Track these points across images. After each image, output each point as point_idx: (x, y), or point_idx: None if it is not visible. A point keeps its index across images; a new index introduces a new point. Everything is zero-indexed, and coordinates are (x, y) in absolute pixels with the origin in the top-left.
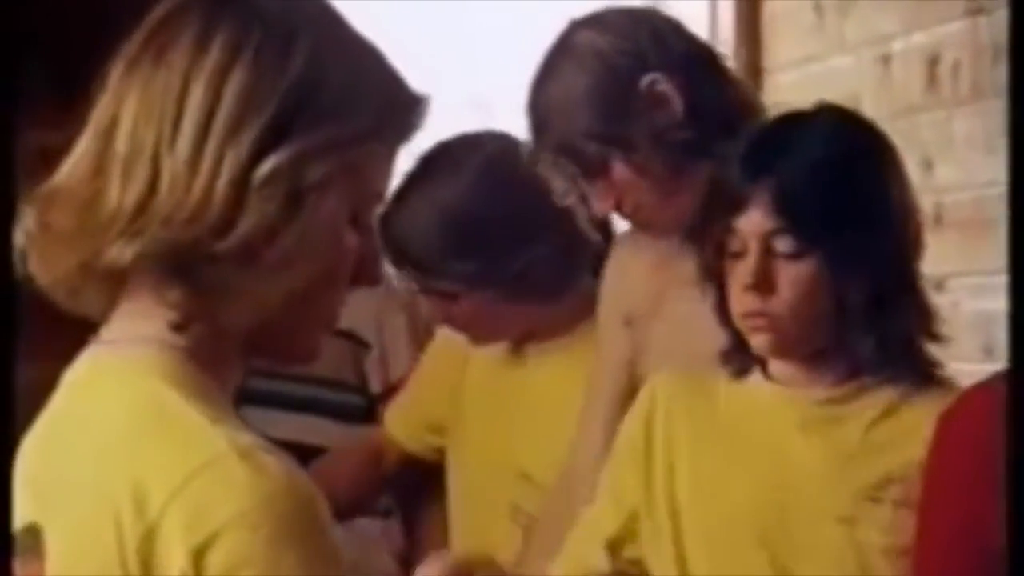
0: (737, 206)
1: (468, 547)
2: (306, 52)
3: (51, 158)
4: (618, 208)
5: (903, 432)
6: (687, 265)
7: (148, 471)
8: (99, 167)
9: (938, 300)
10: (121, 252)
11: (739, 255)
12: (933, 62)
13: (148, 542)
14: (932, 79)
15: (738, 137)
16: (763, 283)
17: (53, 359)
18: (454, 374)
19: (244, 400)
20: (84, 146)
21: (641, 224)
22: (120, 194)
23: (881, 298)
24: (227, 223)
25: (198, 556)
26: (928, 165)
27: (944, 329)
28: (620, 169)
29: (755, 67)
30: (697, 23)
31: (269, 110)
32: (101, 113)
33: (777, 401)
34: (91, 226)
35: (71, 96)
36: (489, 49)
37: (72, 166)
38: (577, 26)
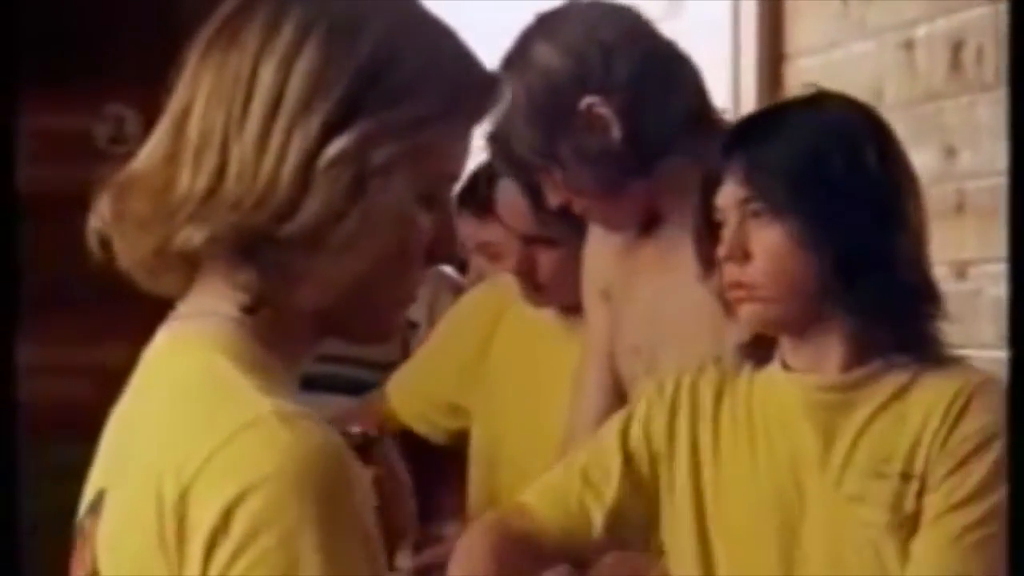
0: (716, 185)
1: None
2: (376, 35)
3: (52, 142)
4: (570, 205)
5: (909, 409)
6: (650, 252)
7: (191, 434)
8: (172, 153)
9: (960, 287)
10: (190, 236)
11: (722, 229)
12: (957, 48)
13: (183, 500)
14: (956, 65)
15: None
16: (738, 251)
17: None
18: (468, 354)
19: (302, 384)
20: (160, 133)
21: (594, 222)
22: (191, 180)
23: (861, 272)
24: (292, 207)
25: (228, 512)
26: (951, 152)
27: (966, 315)
28: (559, 181)
29: (777, 53)
30: (720, 9)
31: (338, 92)
32: (177, 100)
33: (791, 388)
34: (164, 212)
35: (72, 81)
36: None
37: (148, 153)
38: (535, 32)
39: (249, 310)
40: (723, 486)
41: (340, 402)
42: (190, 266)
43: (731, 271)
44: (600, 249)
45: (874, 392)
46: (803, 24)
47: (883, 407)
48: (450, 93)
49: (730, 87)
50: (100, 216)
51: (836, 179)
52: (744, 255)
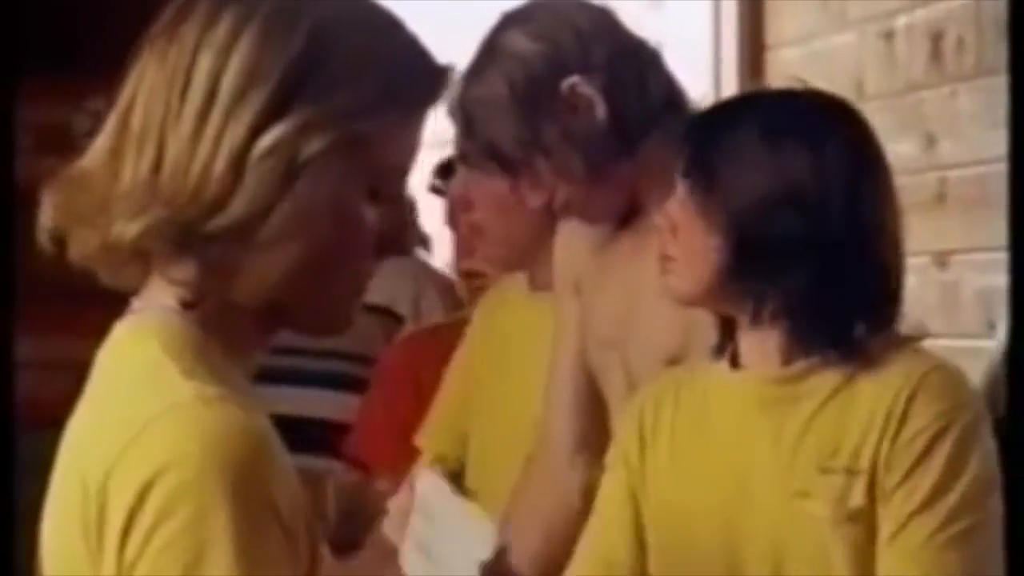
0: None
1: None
2: (312, 26)
3: (51, 135)
4: (549, 204)
5: (854, 401)
6: (625, 244)
7: (116, 422)
8: (116, 147)
9: (942, 276)
10: (123, 230)
11: None
12: (937, 38)
13: (104, 488)
14: (936, 55)
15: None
16: (666, 223)
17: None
18: (467, 384)
19: (277, 379)
20: (107, 128)
21: (573, 217)
22: (131, 173)
23: (778, 262)
24: (223, 200)
25: (142, 494)
26: (931, 141)
27: (947, 304)
28: (543, 170)
29: (758, 43)
30: (699, 2)
31: (272, 84)
32: (123, 95)
33: (737, 383)
34: (107, 207)
35: (72, 73)
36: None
37: (95, 149)
38: (506, 23)
39: (189, 304)
40: (671, 489)
41: (328, 396)
42: (144, 260)
43: (662, 244)
44: (571, 242)
45: (818, 386)
46: (784, 15)
47: (828, 400)
48: (387, 83)
49: (711, 78)
50: (47, 213)
51: (754, 162)
52: (672, 228)
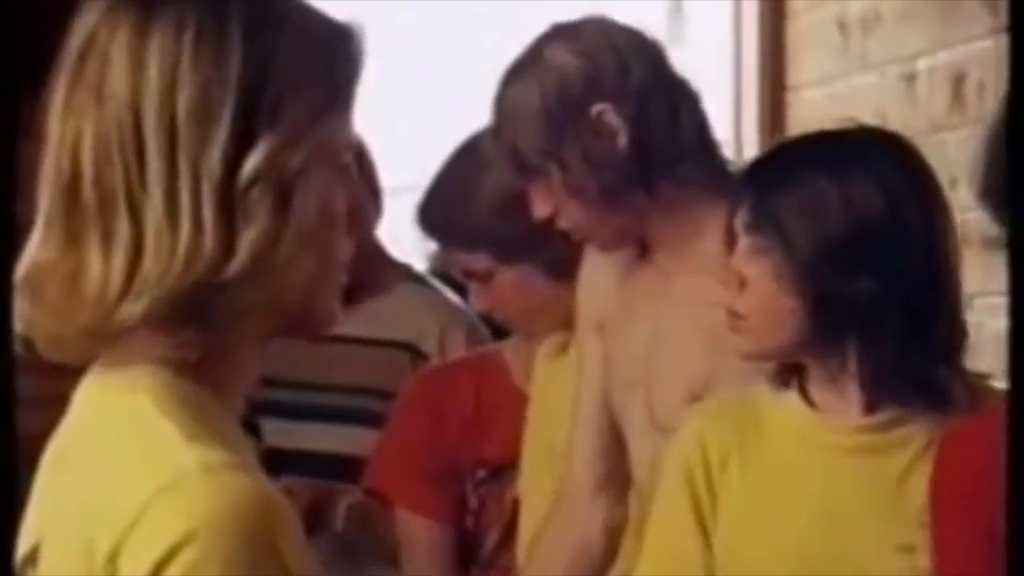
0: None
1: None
2: (241, 38)
3: None
4: (556, 219)
5: None
6: (652, 280)
7: (119, 489)
8: (71, 232)
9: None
10: (127, 315)
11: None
12: (959, 81)
13: (113, 560)
14: (957, 97)
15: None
16: (734, 279)
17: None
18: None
19: (303, 415)
20: (48, 207)
21: (580, 239)
22: (104, 262)
23: (851, 318)
24: (226, 250)
25: (158, 569)
26: (953, 183)
27: (969, 347)
28: (556, 184)
29: (779, 84)
30: (722, 41)
31: (227, 116)
32: (55, 165)
33: (819, 425)
34: (80, 297)
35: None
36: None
37: (43, 238)
38: (554, 33)
39: (191, 366)
40: (746, 521)
41: (354, 432)
42: (128, 332)
43: (729, 298)
44: (594, 282)
45: (910, 435)
46: (805, 57)
47: (924, 451)
48: (330, 73)
49: (732, 118)
50: (22, 318)
51: (830, 220)
52: (740, 283)
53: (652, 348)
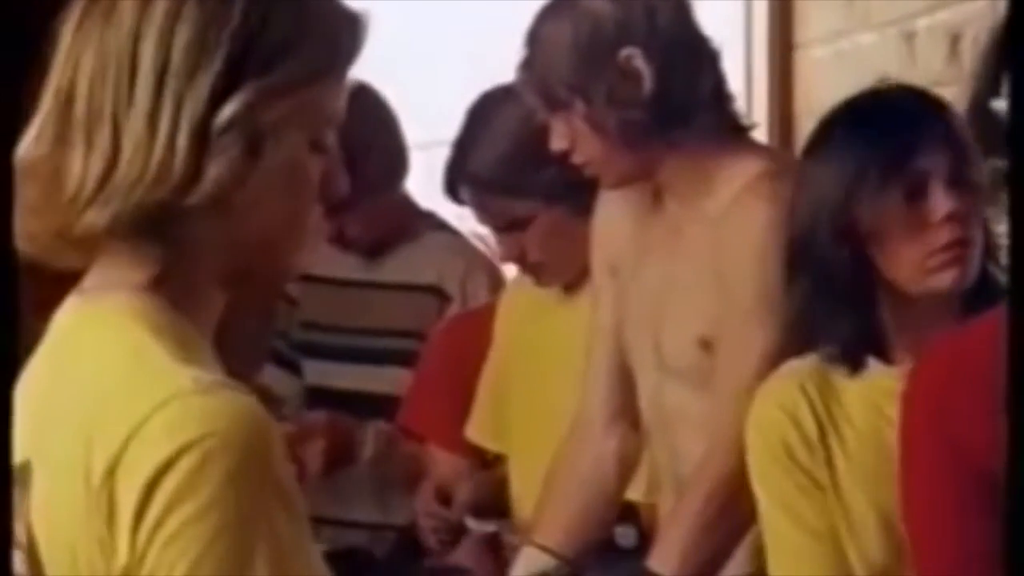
0: (908, 151)
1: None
2: (244, 2)
3: None
4: (571, 152)
5: None
6: (664, 228)
7: (115, 409)
8: (60, 136)
9: None
10: (93, 220)
11: (915, 195)
12: (955, 39)
13: (111, 475)
14: (954, 54)
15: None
16: (960, 212)
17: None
18: (503, 376)
19: (337, 356)
20: (43, 115)
21: (591, 173)
22: (84, 164)
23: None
24: (192, 178)
25: (151, 485)
26: None
27: None
28: (579, 118)
29: (788, 42)
30: (732, 2)
31: (219, 59)
32: (57, 79)
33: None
34: (58, 197)
35: None
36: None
37: (34, 139)
38: None
39: (156, 283)
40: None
41: (386, 372)
42: (91, 242)
43: (951, 230)
44: (608, 223)
45: None
46: (812, 17)
47: None
48: (322, 45)
49: (743, 75)
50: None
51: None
52: (963, 215)
53: (662, 292)
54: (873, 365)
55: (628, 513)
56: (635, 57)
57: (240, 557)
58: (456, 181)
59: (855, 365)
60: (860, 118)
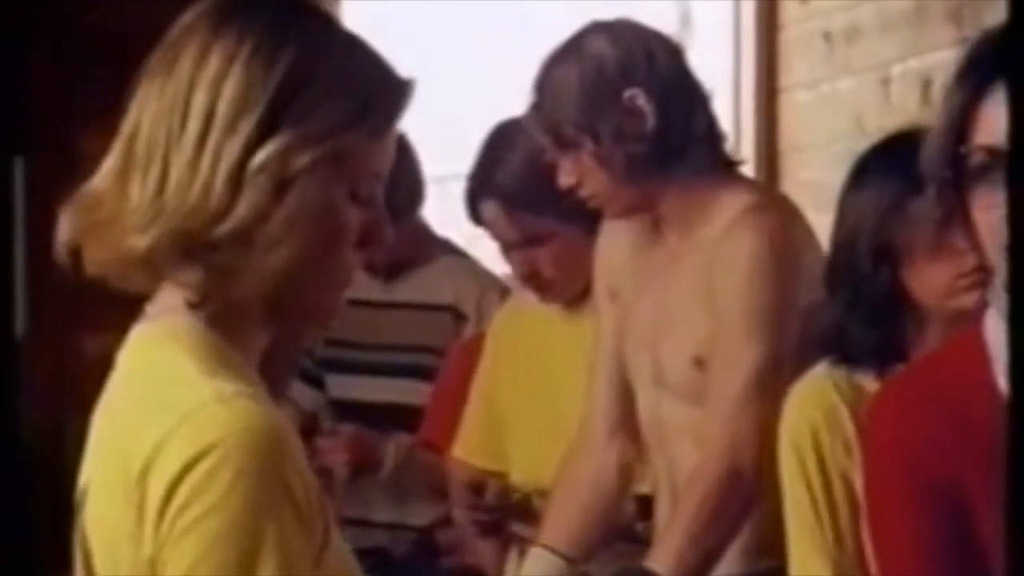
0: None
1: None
2: (294, 54)
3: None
4: (578, 187)
5: None
6: (662, 256)
7: (149, 419)
8: (124, 170)
9: None
10: (135, 243)
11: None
12: (927, 84)
13: (143, 477)
14: (926, 99)
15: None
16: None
17: (114, 331)
18: (496, 396)
19: (361, 370)
20: (114, 152)
21: (596, 206)
22: (139, 193)
23: None
24: (224, 212)
25: (173, 485)
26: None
27: None
28: (587, 155)
29: (773, 86)
30: (722, 49)
31: (260, 108)
32: (128, 120)
33: None
34: (118, 223)
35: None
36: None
37: (105, 171)
38: (594, 28)
39: (194, 305)
40: None
41: (406, 385)
42: (152, 269)
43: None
44: (611, 250)
45: None
46: (795, 63)
47: None
48: (362, 101)
49: (732, 116)
50: (66, 230)
51: None
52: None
53: (659, 316)
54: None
55: (646, 504)
56: (638, 96)
57: (243, 555)
58: (480, 198)
59: (882, 374)
60: (895, 154)
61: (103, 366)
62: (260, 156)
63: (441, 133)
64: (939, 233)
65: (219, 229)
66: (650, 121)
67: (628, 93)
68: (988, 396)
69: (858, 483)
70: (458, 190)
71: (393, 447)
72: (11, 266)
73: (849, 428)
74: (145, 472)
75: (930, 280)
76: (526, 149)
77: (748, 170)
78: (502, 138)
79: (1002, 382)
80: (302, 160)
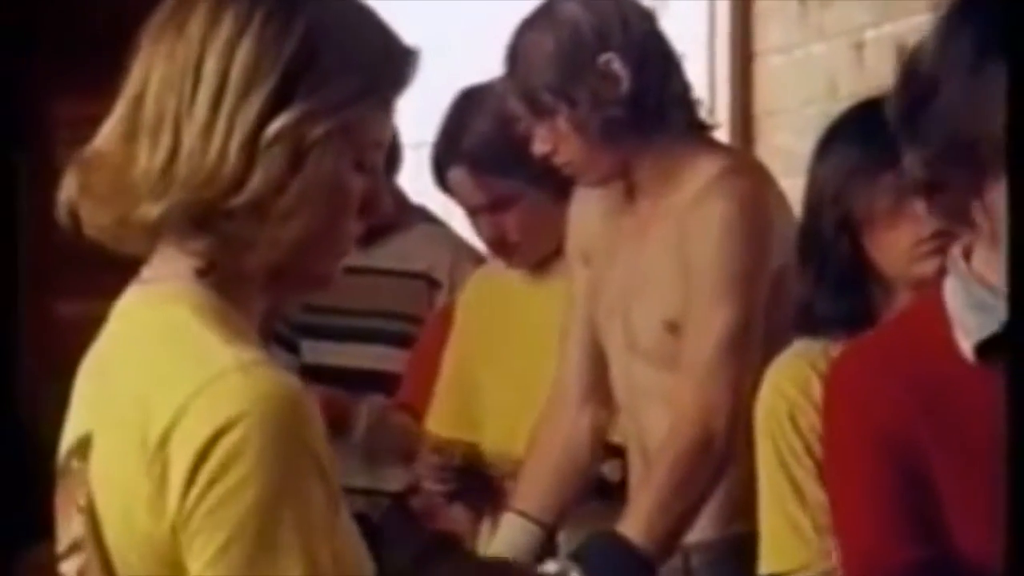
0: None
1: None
2: (306, 23)
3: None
4: (554, 155)
5: None
6: (633, 223)
7: (167, 384)
8: (130, 133)
9: None
10: (148, 211)
11: (904, 190)
12: (901, 50)
13: (165, 443)
14: (900, 63)
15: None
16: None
17: (96, 296)
18: (467, 366)
19: (337, 336)
20: (118, 114)
21: (571, 173)
22: (148, 159)
23: None
24: (239, 182)
25: (203, 452)
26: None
27: None
28: (563, 121)
29: (748, 51)
30: (696, 13)
31: (274, 77)
32: (132, 82)
33: None
34: (124, 188)
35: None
36: None
37: (108, 132)
38: None
39: (203, 273)
40: None
41: (380, 351)
42: (152, 231)
43: (931, 223)
44: (583, 216)
45: None
46: (769, 27)
47: None
48: (373, 71)
49: (707, 81)
50: (67, 190)
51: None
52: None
53: (631, 281)
54: None
55: (615, 451)
56: (613, 61)
57: (280, 523)
58: (447, 164)
59: (854, 324)
60: (857, 125)
61: (78, 331)
62: (275, 126)
63: (416, 99)
64: (897, 201)
65: (234, 200)
66: (625, 85)
67: (603, 57)
68: (948, 357)
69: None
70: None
71: (366, 409)
72: (16, 264)
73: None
74: (166, 439)
75: (890, 248)
76: (492, 112)
77: (722, 135)
78: (468, 103)
79: (964, 345)
80: (317, 131)
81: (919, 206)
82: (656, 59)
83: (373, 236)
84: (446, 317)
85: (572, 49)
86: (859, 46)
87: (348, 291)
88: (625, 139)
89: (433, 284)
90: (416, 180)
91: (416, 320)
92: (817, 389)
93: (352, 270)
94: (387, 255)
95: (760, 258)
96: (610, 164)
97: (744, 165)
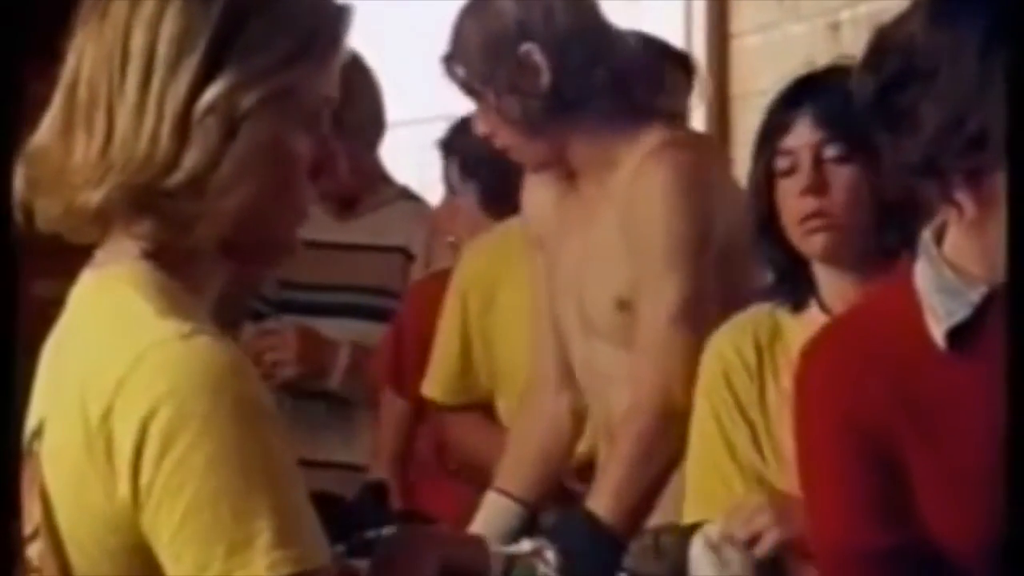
0: (780, 131)
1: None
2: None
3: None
4: (493, 138)
5: None
6: (579, 205)
7: (106, 360)
8: (67, 122)
9: None
10: (89, 199)
11: (789, 172)
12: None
13: (106, 420)
14: (873, 42)
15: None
16: (818, 185)
17: (62, 277)
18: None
19: (314, 311)
20: (56, 103)
21: (514, 158)
22: (85, 147)
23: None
24: (174, 161)
25: (144, 424)
26: None
27: None
28: (490, 107)
29: (724, 33)
30: None
31: (201, 49)
32: (66, 70)
33: None
34: (65, 178)
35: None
36: None
37: (48, 124)
38: None
39: (150, 254)
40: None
41: (356, 325)
42: (103, 219)
43: (809, 203)
44: (533, 202)
45: None
46: (745, 8)
47: None
48: (304, 35)
49: None
50: (18, 186)
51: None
52: (822, 188)
53: (581, 263)
54: (814, 309)
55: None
56: (533, 52)
57: (238, 471)
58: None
59: (796, 305)
60: (800, 91)
61: (44, 311)
62: (206, 98)
63: (389, 79)
64: (785, 179)
65: (171, 179)
66: (545, 76)
67: (524, 48)
68: (918, 342)
69: (753, 411)
70: (407, 136)
71: (346, 350)
72: (15, 265)
73: (750, 358)
74: (107, 413)
75: (787, 225)
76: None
77: (699, 116)
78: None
79: (935, 332)
80: (249, 99)
81: (799, 182)
82: (581, 48)
83: (351, 209)
84: (423, 289)
85: (496, 38)
86: (835, 26)
87: (326, 266)
88: (550, 127)
89: (410, 258)
90: (390, 160)
91: (393, 294)
92: (750, 352)
93: (330, 245)
94: (364, 230)
95: (704, 226)
96: (543, 150)
97: (682, 137)
